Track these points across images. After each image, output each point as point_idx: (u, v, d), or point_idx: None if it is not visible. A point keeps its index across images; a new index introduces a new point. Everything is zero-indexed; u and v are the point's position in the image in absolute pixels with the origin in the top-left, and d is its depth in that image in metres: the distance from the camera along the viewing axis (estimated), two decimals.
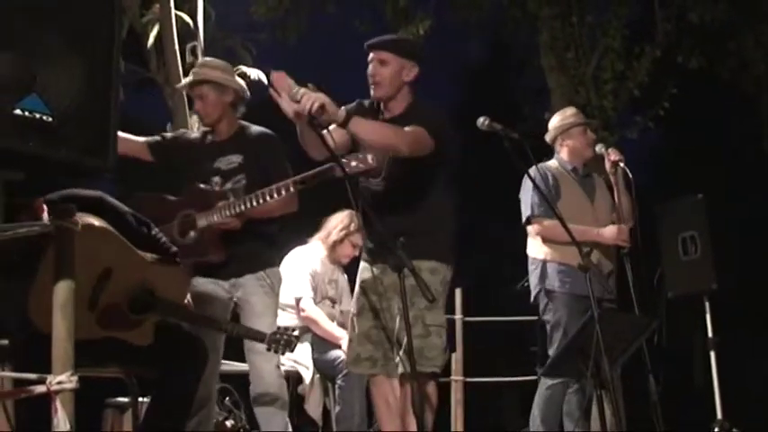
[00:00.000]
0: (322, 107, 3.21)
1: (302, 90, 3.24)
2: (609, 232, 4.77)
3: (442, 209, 3.65)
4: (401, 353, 3.50)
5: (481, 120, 3.76)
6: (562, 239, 4.12)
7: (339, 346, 5.08)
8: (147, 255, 3.15)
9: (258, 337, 3.66)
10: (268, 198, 3.83)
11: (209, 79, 4.19)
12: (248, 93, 4.32)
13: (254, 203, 3.85)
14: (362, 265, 3.82)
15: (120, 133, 2.99)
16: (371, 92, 3.66)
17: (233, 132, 4.23)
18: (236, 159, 4.17)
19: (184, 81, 4.39)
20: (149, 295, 3.14)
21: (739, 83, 9.53)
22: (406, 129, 3.44)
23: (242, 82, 4.35)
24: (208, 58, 4.77)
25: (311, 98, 3.21)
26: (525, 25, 9.67)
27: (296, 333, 3.67)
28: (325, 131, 3.38)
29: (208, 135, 4.29)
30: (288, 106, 3.28)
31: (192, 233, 3.97)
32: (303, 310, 5.20)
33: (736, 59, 9.20)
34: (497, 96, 20.62)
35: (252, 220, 3.99)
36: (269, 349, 3.63)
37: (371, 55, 3.65)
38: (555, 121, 5.11)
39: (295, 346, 3.64)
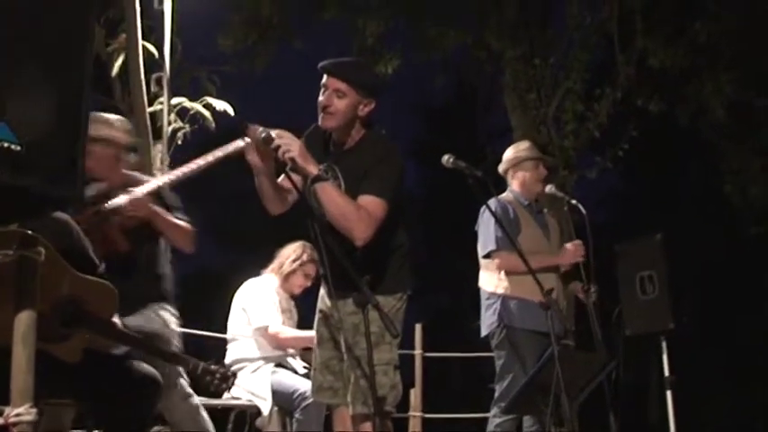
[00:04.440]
0: (292, 160, 3.18)
1: (279, 137, 3.18)
2: (566, 253, 4.85)
3: (388, 242, 3.48)
4: (349, 393, 3.42)
5: (446, 157, 3.80)
6: (524, 272, 4.17)
7: (297, 379, 5.08)
8: (76, 272, 3.15)
9: (188, 364, 3.61)
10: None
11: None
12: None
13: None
14: (321, 293, 3.72)
15: None
16: (320, 120, 3.43)
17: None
18: None
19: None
20: (77, 308, 3.13)
21: (698, 128, 9.72)
22: (366, 201, 3.29)
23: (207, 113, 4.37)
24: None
25: (287, 146, 3.17)
26: (489, 66, 9.81)
27: (233, 369, 3.63)
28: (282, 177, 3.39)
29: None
30: (251, 153, 3.26)
31: None
32: (278, 334, 5.17)
33: (694, 104, 9.40)
34: (461, 134, 20.84)
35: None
36: (206, 384, 3.61)
37: (327, 79, 3.41)
38: (509, 153, 5.18)
39: (232, 383, 3.60)
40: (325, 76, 3.42)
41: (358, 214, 3.27)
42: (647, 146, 11.66)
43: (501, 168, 5.18)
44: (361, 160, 3.41)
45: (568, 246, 4.88)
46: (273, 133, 3.20)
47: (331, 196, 3.26)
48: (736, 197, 9.75)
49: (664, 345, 5.45)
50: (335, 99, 3.37)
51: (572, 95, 9.14)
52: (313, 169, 3.24)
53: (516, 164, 5.10)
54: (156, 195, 4.09)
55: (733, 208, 10.05)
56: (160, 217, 4.07)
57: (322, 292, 3.72)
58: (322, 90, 3.42)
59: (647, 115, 9.54)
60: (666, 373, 5.42)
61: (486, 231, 4.86)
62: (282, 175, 3.44)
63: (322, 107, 3.40)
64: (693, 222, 16.70)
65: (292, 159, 3.19)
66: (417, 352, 6.73)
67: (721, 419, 17.09)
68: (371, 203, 3.30)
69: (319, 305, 3.71)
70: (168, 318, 4.17)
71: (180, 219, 4.19)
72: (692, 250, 16.08)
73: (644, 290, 5.44)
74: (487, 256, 4.87)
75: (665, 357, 5.43)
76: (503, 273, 4.80)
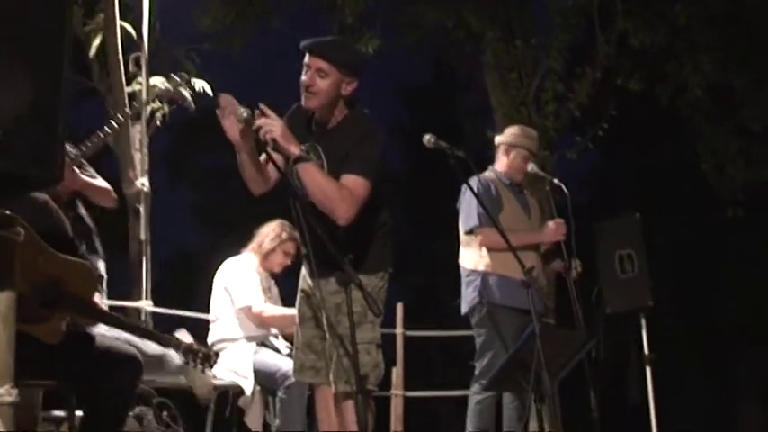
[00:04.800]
0: (274, 141, 3.19)
1: (262, 120, 3.18)
2: (548, 231, 4.87)
3: (370, 221, 3.49)
4: (331, 372, 3.44)
5: (427, 137, 3.81)
6: (506, 249, 4.19)
7: (280, 359, 5.08)
8: (55, 252, 3.14)
9: (170, 343, 3.61)
10: None
11: None
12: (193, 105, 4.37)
13: None
14: (303, 272, 3.71)
15: None
16: (303, 99, 3.43)
17: None
18: None
19: None
20: (57, 289, 3.12)
21: (677, 107, 9.76)
22: (348, 181, 3.30)
23: (187, 93, 4.39)
24: None
25: (269, 126, 3.17)
26: (470, 46, 9.78)
27: (214, 349, 3.63)
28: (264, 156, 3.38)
29: None
30: (232, 130, 3.25)
31: None
32: (262, 313, 5.16)
33: (673, 84, 9.43)
34: (441, 115, 20.84)
35: None
36: (186, 362, 3.62)
37: (309, 59, 3.39)
38: (513, 130, 5.19)
39: (214, 362, 3.62)
40: (307, 56, 3.40)
41: (340, 194, 3.27)
42: (627, 126, 11.71)
43: (497, 140, 5.19)
44: (344, 140, 3.40)
45: (550, 224, 4.91)
46: (260, 108, 3.20)
47: (313, 177, 3.27)
48: (713, 177, 9.81)
49: (643, 322, 5.51)
50: (318, 79, 3.36)
51: (552, 75, 9.15)
52: (295, 150, 3.24)
53: (513, 145, 5.10)
54: (78, 164, 4.27)
55: (710, 188, 10.11)
56: (88, 184, 4.29)
57: (303, 271, 3.72)
58: (304, 70, 3.41)
59: (627, 95, 9.56)
60: (646, 350, 5.48)
61: (468, 209, 4.87)
62: (263, 155, 3.43)
63: (305, 87, 3.39)
64: (672, 202, 16.82)
65: (274, 140, 3.19)
66: (399, 331, 6.76)
67: (699, 396, 17.30)
68: (354, 183, 3.31)
69: (301, 284, 3.71)
70: (98, 265, 4.35)
71: (94, 177, 4.41)
72: (671, 229, 16.21)
73: (623, 268, 5.49)
74: (469, 232, 4.89)
75: (644, 334, 5.50)
76: (484, 250, 4.83)
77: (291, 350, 4.36)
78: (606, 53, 9.20)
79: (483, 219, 4.73)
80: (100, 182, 4.44)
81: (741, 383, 17.80)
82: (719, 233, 15.97)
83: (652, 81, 9.53)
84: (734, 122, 9.58)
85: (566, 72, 9.24)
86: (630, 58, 9.39)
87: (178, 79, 4.11)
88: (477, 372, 4.85)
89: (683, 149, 12.02)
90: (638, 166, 18.03)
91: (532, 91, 9.16)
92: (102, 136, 4.28)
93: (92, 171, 4.41)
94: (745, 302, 16.70)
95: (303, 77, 3.40)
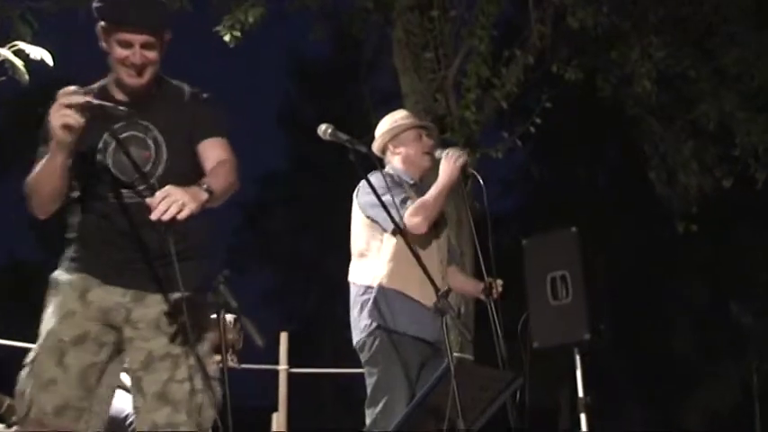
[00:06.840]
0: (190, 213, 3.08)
1: (171, 205, 3.05)
2: (445, 169, 4.74)
3: (203, 228, 3.46)
4: (166, 410, 3.35)
5: (323, 128, 3.76)
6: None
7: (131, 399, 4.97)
8: None
9: None
10: None
11: None
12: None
13: None
14: (86, 281, 3.45)
15: None
16: (130, 79, 3.37)
17: None
18: None
19: None
20: None
21: (622, 100, 9.95)
22: (218, 146, 3.40)
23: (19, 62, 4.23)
24: None
25: (182, 204, 3.04)
26: (377, 17, 9.78)
27: None
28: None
29: None
30: (75, 123, 3.12)
31: None
32: None
33: (619, 73, 9.61)
34: (341, 100, 20.89)
35: None
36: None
37: (126, 33, 3.32)
38: (384, 126, 5.03)
39: None
40: (118, 29, 3.34)
41: (232, 172, 3.36)
42: (563, 121, 11.93)
43: (377, 145, 5.02)
44: (179, 103, 3.48)
45: (442, 159, 4.77)
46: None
47: (223, 187, 3.28)
48: (662, 186, 10.04)
49: (578, 359, 5.56)
50: (146, 52, 3.36)
51: (476, 57, 9.19)
52: (204, 196, 3.15)
53: (395, 136, 5.00)
54: None
55: (659, 198, 10.35)
56: None
57: (86, 280, 3.47)
58: (121, 44, 3.34)
59: (564, 84, 9.72)
60: (581, 393, 5.52)
61: (377, 212, 4.66)
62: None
63: (137, 68, 3.36)
64: (614, 214, 17.22)
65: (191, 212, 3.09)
66: (282, 367, 6.66)
67: None
68: (224, 147, 3.42)
69: (82, 296, 3.44)
70: None
71: None
72: (612, 247, 16.59)
73: (555, 294, 5.54)
74: (395, 233, 4.72)
75: (578, 374, 5.54)
76: (386, 260, 4.65)
77: None
78: (541, 33, 9.33)
79: (395, 218, 4.52)
80: None
81: (691, 427, 18.34)
82: (669, 251, 16.42)
83: (593, 70, 9.70)
84: (687, 120, 9.83)
85: (492, 54, 9.32)
86: (568, 41, 9.55)
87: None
88: (368, 421, 4.68)
89: (628, 151, 12.29)
90: (574, 169, 18.41)
91: (452, 75, 9.21)
92: None
93: None
94: (693, 334, 17.20)
95: (126, 54, 3.35)
